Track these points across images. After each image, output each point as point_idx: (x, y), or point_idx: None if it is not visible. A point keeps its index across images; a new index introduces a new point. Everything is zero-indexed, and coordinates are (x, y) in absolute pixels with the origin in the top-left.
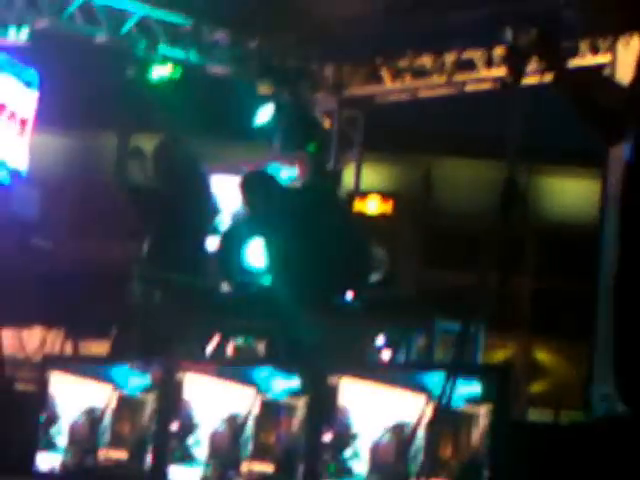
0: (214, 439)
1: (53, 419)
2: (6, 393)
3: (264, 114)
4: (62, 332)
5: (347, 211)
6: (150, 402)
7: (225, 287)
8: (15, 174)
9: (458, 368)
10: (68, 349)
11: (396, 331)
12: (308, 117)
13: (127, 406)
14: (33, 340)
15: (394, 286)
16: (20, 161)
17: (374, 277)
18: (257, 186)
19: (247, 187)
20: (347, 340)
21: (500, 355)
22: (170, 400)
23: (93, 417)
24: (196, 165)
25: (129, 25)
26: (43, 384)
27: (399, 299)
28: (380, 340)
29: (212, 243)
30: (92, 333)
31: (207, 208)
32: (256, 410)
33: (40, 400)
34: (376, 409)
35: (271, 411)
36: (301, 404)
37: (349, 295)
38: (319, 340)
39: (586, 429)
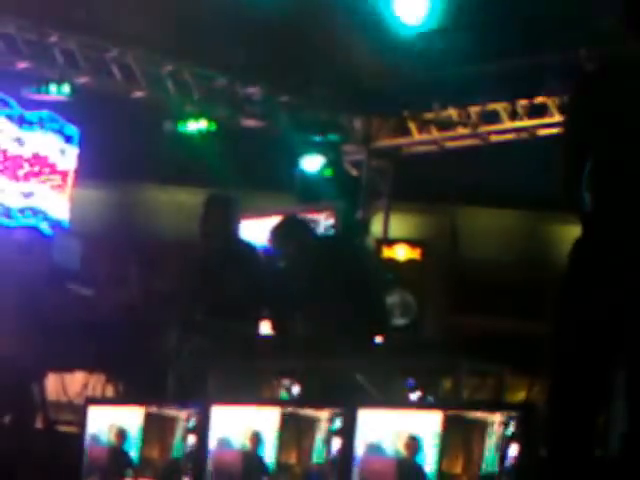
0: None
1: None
2: (49, 435)
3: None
4: (103, 376)
5: (371, 262)
6: (182, 427)
7: (263, 330)
8: (56, 225)
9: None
10: (109, 393)
11: (423, 373)
12: (337, 169)
13: (158, 428)
14: (75, 385)
15: (421, 330)
16: (61, 212)
17: (402, 321)
18: (292, 232)
19: (281, 232)
20: (374, 381)
21: (522, 396)
22: (204, 441)
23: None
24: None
25: (166, 81)
26: (84, 424)
27: (426, 342)
28: (409, 381)
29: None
30: (132, 377)
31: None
32: (277, 425)
33: (80, 439)
34: (391, 428)
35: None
36: (325, 416)
37: (377, 338)
38: (350, 381)
39: (606, 465)
